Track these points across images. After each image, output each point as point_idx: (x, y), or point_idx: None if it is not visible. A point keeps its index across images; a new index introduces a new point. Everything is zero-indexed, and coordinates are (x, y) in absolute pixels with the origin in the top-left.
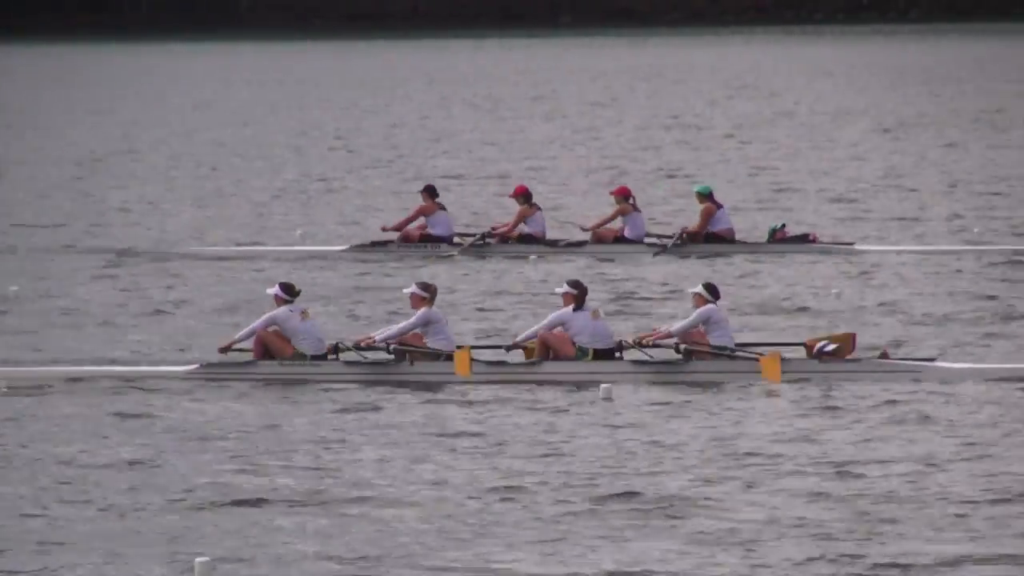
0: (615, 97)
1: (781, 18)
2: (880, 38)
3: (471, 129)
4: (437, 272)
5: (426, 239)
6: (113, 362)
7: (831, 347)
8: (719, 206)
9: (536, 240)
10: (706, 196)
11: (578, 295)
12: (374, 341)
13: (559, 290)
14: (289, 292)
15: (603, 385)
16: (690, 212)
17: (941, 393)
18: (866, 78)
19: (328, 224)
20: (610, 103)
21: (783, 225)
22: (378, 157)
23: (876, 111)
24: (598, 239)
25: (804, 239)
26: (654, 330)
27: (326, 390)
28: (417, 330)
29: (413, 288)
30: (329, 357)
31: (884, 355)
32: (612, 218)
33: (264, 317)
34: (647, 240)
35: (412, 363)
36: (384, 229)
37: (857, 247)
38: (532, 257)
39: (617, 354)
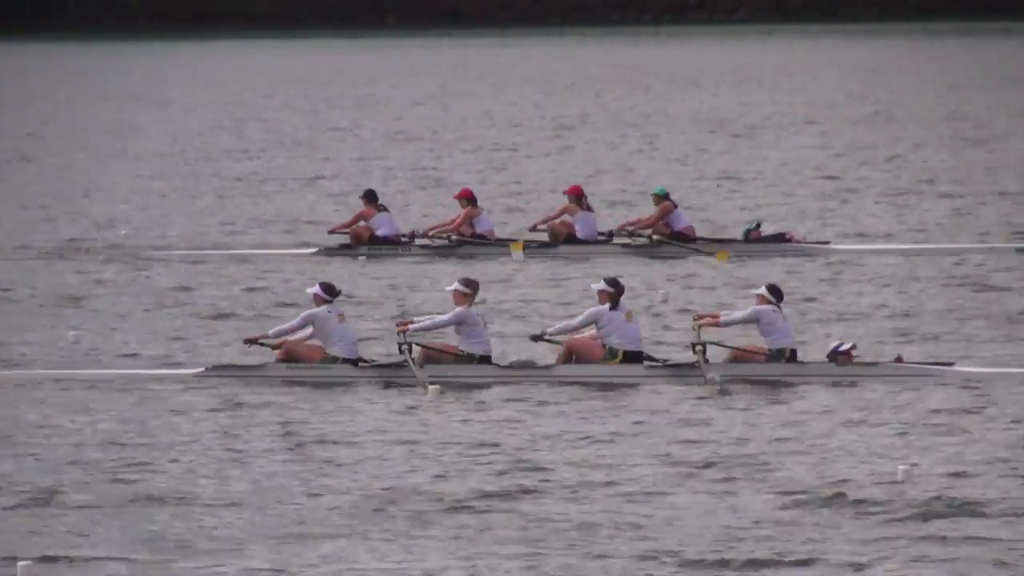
0: (439, 96)
1: (607, 19)
2: (710, 39)
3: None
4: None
5: (376, 240)
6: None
7: (846, 347)
8: (675, 206)
9: (484, 240)
10: (663, 197)
11: (614, 293)
12: (407, 328)
13: (595, 286)
14: (329, 292)
15: (431, 387)
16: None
17: (962, 397)
18: (698, 79)
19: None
20: (434, 103)
21: (758, 224)
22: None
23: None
24: (553, 235)
25: (780, 238)
26: (715, 315)
27: (344, 393)
28: (452, 328)
29: (456, 284)
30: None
31: (899, 359)
32: (558, 216)
33: (302, 316)
34: (616, 239)
35: (420, 365)
36: (330, 233)
37: (833, 246)
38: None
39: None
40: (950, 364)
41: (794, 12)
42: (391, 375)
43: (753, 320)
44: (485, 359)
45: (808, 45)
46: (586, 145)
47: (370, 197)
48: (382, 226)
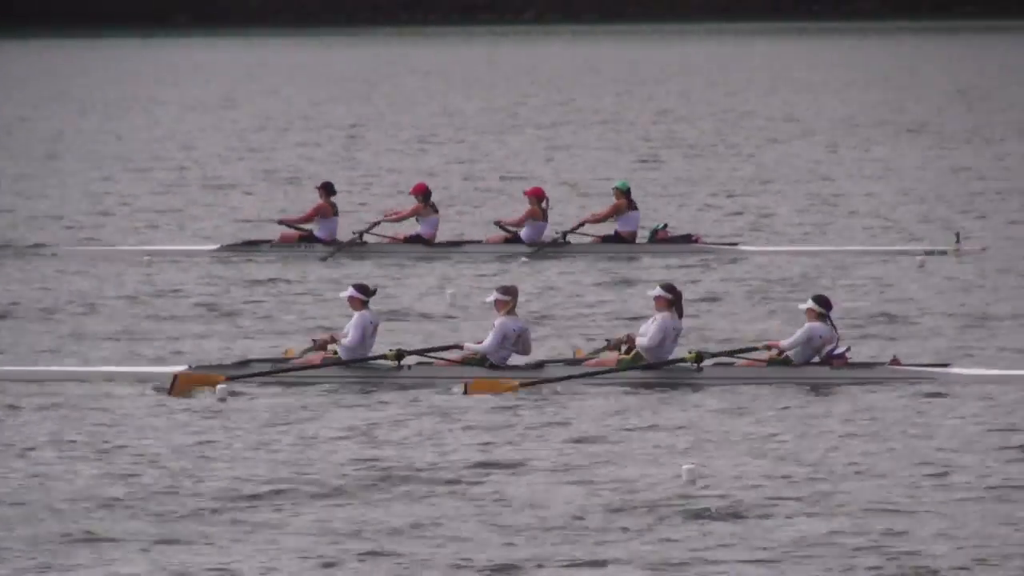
0: (226, 96)
1: (397, 19)
2: (496, 39)
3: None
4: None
5: (305, 239)
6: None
7: (840, 350)
8: (633, 207)
9: (424, 242)
10: (623, 193)
11: (673, 300)
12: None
13: (652, 292)
14: (365, 292)
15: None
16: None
17: (959, 398)
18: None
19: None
20: (223, 102)
21: (664, 225)
22: None
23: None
24: (492, 241)
25: (687, 239)
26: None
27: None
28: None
29: (495, 294)
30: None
31: (895, 361)
32: (523, 220)
33: (357, 325)
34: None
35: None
36: (281, 223)
37: (741, 247)
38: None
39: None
40: (946, 365)
41: (579, 13)
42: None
43: (809, 338)
44: (494, 365)
45: (596, 45)
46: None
47: (328, 190)
48: (326, 227)
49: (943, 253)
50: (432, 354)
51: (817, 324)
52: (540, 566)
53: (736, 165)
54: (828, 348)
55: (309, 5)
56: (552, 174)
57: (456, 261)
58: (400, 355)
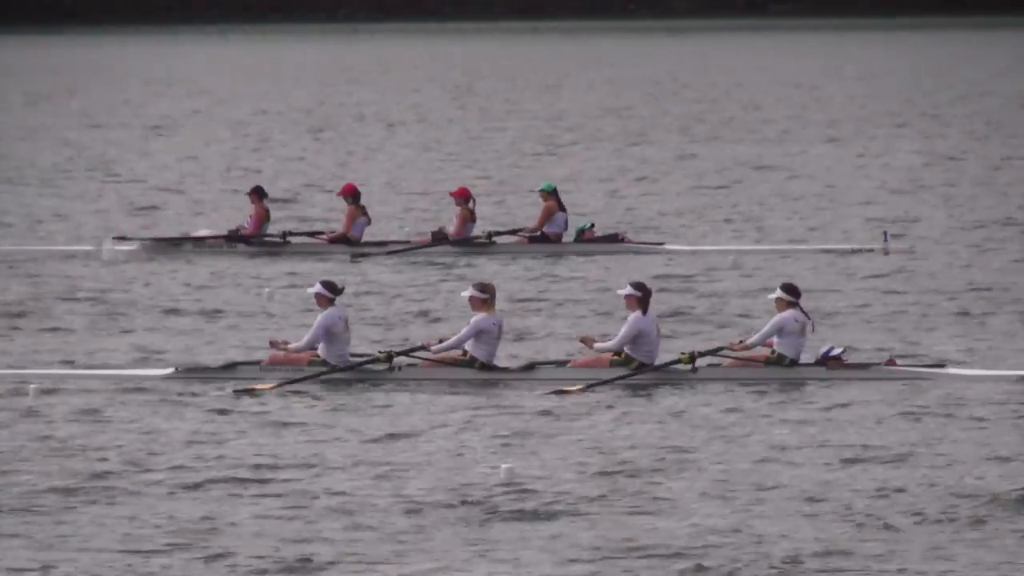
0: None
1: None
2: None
3: None
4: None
5: (233, 240)
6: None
7: (837, 351)
8: (562, 207)
9: (352, 242)
10: (550, 194)
11: (643, 297)
12: (429, 348)
13: (621, 291)
14: (332, 290)
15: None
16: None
17: (958, 399)
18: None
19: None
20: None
21: (591, 225)
22: None
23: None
24: (418, 243)
25: (613, 239)
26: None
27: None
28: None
29: (471, 291)
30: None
31: (891, 362)
32: (461, 226)
33: (320, 325)
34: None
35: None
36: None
37: (667, 247)
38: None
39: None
40: (942, 366)
41: (394, 12)
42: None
43: (779, 328)
44: (486, 366)
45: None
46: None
47: (259, 193)
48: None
49: (871, 252)
50: (415, 354)
51: (787, 313)
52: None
53: (666, 163)
54: (824, 349)
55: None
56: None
57: (378, 261)
58: (391, 356)
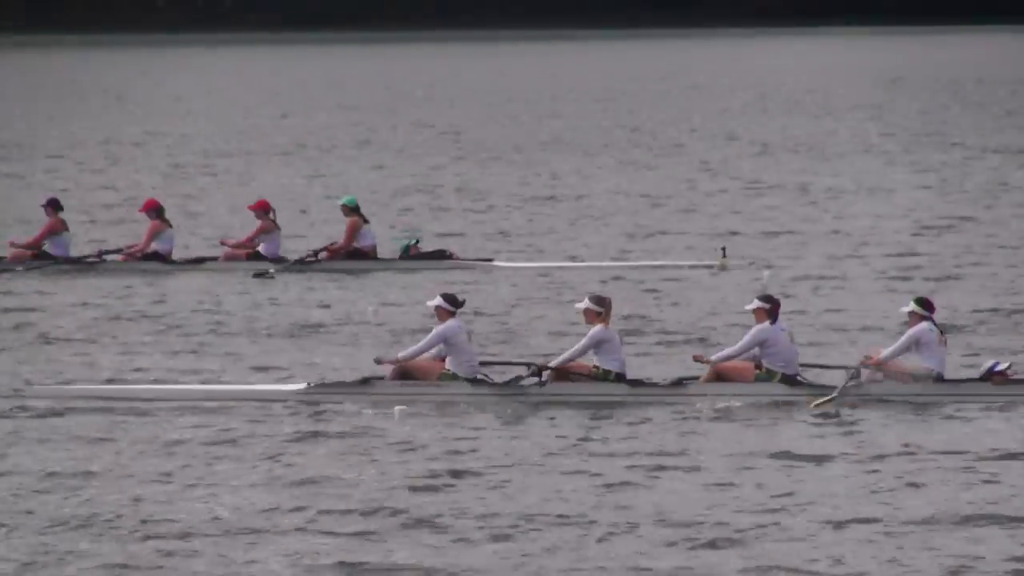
0: None
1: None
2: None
3: None
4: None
5: (42, 256)
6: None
7: (1002, 366)
8: (365, 220)
9: (161, 258)
10: (352, 209)
11: (771, 309)
12: (543, 366)
13: (749, 307)
14: (454, 303)
15: (398, 408)
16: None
17: None
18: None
19: None
20: None
21: (417, 241)
22: None
23: None
24: (229, 257)
25: (441, 255)
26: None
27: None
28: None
29: (586, 303)
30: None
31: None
32: (257, 234)
33: (436, 333)
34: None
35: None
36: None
37: (496, 263)
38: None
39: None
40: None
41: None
42: (511, 392)
43: (915, 341)
44: (621, 377)
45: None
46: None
47: (55, 206)
48: (60, 244)
49: (709, 267)
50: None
51: (922, 325)
52: None
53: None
54: (989, 364)
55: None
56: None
57: (193, 279)
58: (540, 370)
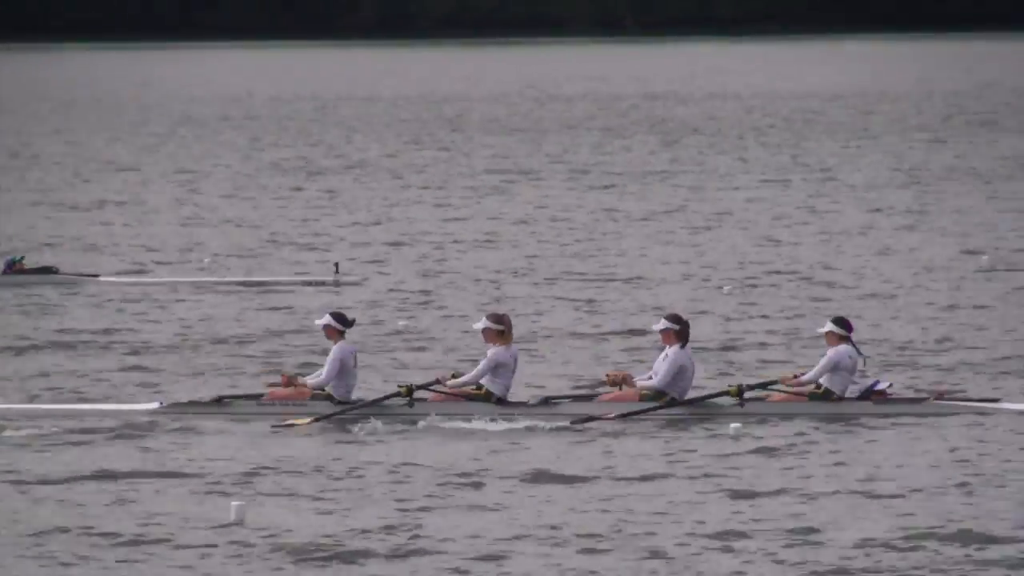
0: None
1: None
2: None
3: None
4: None
5: None
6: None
7: (882, 385)
8: None
9: None
10: None
11: (681, 331)
12: (444, 382)
13: (657, 327)
14: (343, 322)
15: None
16: None
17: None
18: None
19: None
20: None
21: (22, 257)
22: None
23: None
24: None
25: (47, 271)
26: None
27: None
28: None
29: (485, 322)
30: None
31: (941, 396)
32: None
33: (336, 358)
34: None
35: (411, 404)
36: None
37: (102, 278)
38: None
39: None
40: (995, 400)
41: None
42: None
43: (835, 364)
44: (501, 401)
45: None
46: None
47: None
48: None
49: (323, 283)
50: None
51: (841, 348)
52: None
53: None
54: (869, 382)
55: None
56: None
57: None
58: (411, 391)
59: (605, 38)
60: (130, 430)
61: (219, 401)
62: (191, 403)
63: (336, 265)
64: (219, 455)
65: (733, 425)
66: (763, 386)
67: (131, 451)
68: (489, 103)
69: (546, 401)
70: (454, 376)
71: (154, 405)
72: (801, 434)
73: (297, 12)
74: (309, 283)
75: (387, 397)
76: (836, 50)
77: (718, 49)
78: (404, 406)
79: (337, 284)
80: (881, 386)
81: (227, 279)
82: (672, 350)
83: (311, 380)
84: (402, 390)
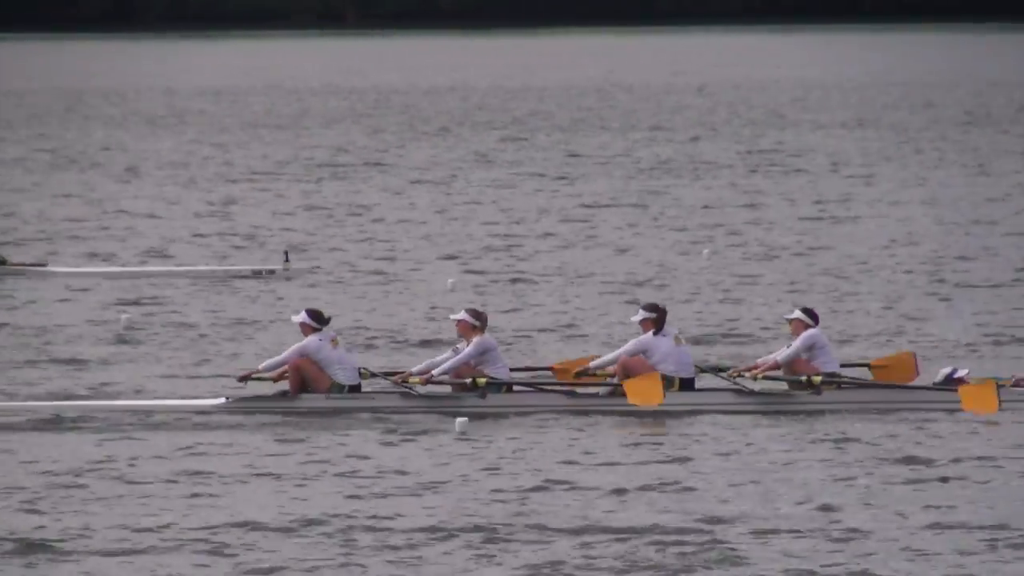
0: None
1: None
2: None
3: None
4: None
5: None
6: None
7: (961, 373)
8: None
9: None
10: None
11: (657, 319)
12: (429, 378)
13: (635, 317)
14: (318, 320)
15: (459, 419)
16: None
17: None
18: None
19: None
20: None
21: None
22: None
23: None
24: None
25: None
26: (756, 364)
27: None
28: (471, 361)
29: (463, 315)
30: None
31: (1020, 383)
32: None
33: (294, 348)
34: None
35: (484, 395)
36: None
37: (51, 268)
38: None
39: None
40: None
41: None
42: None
43: (810, 346)
44: (509, 388)
45: None
46: None
47: None
48: None
49: (272, 272)
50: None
51: (813, 331)
52: None
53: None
54: (948, 370)
55: None
56: None
57: None
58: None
59: (327, 31)
60: (197, 426)
61: (284, 395)
62: (257, 398)
63: (286, 253)
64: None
65: (459, 420)
66: (716, 370)
67: (200, 445)
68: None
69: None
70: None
71: (220, 401)
72: (881, 425)
73: (23, 4)
74: (257, 272)
75: (462, 387)
76: (575, 44)
77: (442, 44)
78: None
79: (287, 272)
80: (960, 373)
81: (175, 269)
82: (646, 336)
83: (262, 364)
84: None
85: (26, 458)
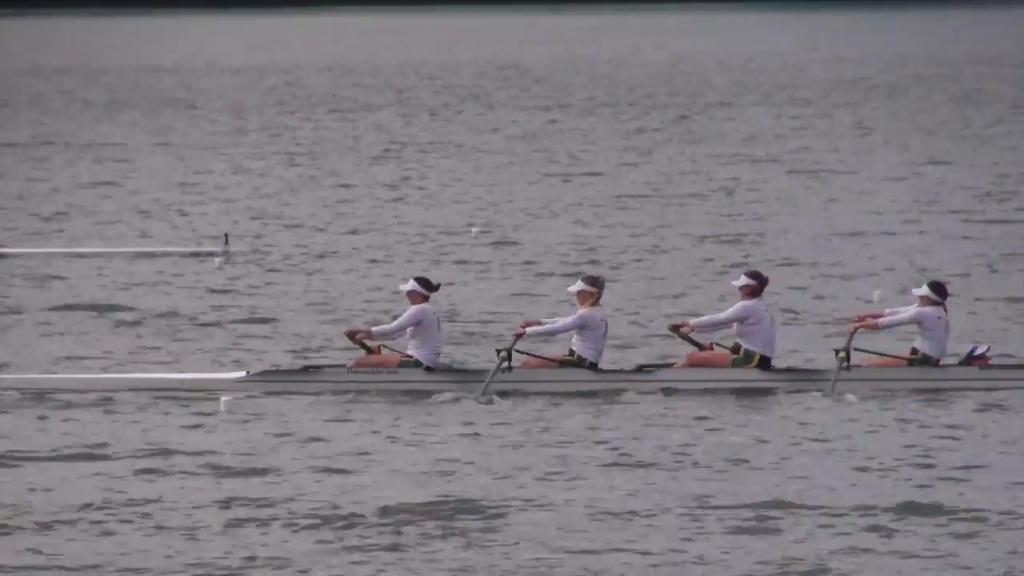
0: None
1: None
2: None
3: None
4: None
5: None
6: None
7: (981, 350)
8: None
9: None
10: None
11: (757, 286)
12: (523, 332)
13: (737, 283)
14: (428, 287)
15: (223, 398)
16: None
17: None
18: None
19: None
20: None
21: None
22: None
23: None
24: None
25: None
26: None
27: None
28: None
29: (580, 284)
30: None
31: None
32: None
33: (411, 313)
34: None
35: (508, 369)
36: None
37: (4, 249)
38: None
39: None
40: None
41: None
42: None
43: (916, 322)
44: (594, 365)
45: None
46: None
47: None
48: None
49: (212, 255)
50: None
51: (928, 309)
52: None
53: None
54: (969, 348)
55: None
56: None
57: None
58: (510, 354)
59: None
60: (217, 400)
61: (306, 370)
62: (278, 371)
63: (226, 236)
64: (310, 427)
65: (223, 398)
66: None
67: (218, 422)
68: None
69: (640, 369)
70: (528, 325)
71: (241, 374)
72: (903, 403)
73: None
74: (197, 254)
75: (494, 371)
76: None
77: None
78: (501, 371)
79: (226, 254)
80: (980, 350)
81: (116, 249)
82: (743, 302)
83: (376, 329)
84: (503, 352)
85: (25, 433)
